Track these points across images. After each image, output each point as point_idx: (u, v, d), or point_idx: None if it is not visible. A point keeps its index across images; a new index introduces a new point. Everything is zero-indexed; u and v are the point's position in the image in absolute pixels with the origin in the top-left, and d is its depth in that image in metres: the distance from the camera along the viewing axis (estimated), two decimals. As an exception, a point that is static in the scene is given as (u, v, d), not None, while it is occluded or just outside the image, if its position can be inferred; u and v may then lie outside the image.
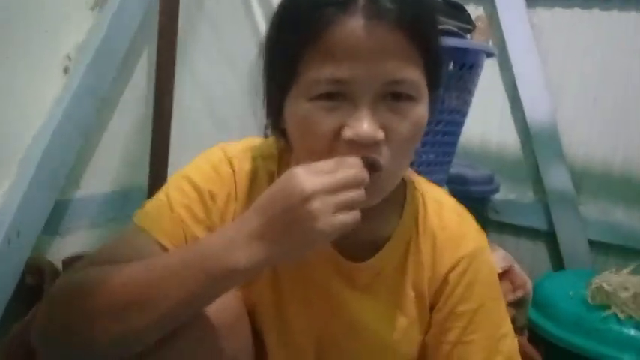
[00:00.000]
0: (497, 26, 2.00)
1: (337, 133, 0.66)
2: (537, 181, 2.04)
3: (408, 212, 0.81)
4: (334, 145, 0.66)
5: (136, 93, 1.53)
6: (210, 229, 0.75)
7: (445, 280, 0.80)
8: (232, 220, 0.76)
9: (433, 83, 0.71)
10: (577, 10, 1.93)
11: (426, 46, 0.67)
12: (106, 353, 0.65)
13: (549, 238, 2.04)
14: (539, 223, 2.05)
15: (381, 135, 0.65)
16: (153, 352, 0.65)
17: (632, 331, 1.40)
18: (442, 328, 0.80)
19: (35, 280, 1.31)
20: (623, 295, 1.40)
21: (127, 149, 1.53)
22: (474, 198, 1.86)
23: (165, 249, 0.72)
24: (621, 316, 1.41)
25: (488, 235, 2.10)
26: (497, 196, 2.07)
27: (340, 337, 0.81)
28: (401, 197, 0.82)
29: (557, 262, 2.03)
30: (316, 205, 0.59)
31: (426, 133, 1.36)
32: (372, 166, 0.65)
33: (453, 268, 0.80)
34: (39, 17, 1.28)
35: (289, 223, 0.60)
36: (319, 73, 0.65)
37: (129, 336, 0.64)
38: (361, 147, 0.64)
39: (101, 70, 1.38)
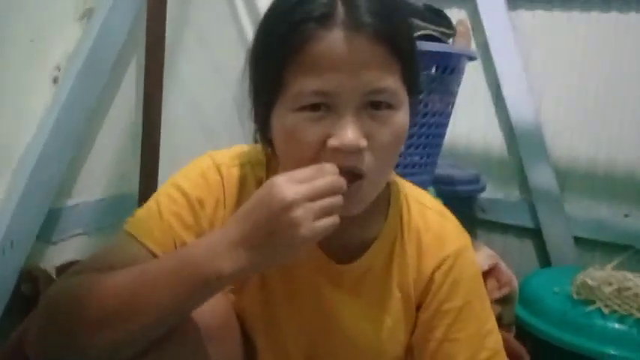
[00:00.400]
0: (480, 29, 2.03)
1: (322, 142, 0.68)
2: (523, 180, 2.08)
3: (392, 215, 0.84)
4: (320, 154, 0.69)
5: (125, 102, 1.55)
6: (199, 235, 0.77)
7: (430, 279, 0.83)
8: (220, 226, 0.79)
9: (412, 89, 0.74)
10: (557, 12, 1.97)
11: (403, 56, 0.69)
12: (98, 359, 0.67)
13: (536, 235, 2.08)
14: (526, 221, 2.08)
15: (364, 143, 0.68)
16: (142, 357, 0.67)
17: (617, 325, 1.43)
18: (429, 326, 0.83)
19: (30, 289, 1.33)
20: (607, 290, 1.44)
21: (117, 158, 1.55)
22: (461, 197, 1.90)
23: (154, 255, 0.74)
24: (605, 310, 1.44)
25: (476, 234, 2.16)
26: (484, 195, 2.10)
27: (328, 338, 0.83)
28: (385, 200, 0.85)
29: (544, 259, 2.06)
30: (297, 212, 0.62)
31: (411, 136, 1.40)
32: (354, 175, 0.68)
33: (437, 268, 0.83)
34: (27, 29, 1.29)
35: (272, 230, 0.63)
36: (303, 85, 0.67)
37: (120, 341, 0.66)
38: (345, 155, 0.67)
39: (90, 80, 1.40)
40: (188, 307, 0.68)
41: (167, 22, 1.54)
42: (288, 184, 0.64)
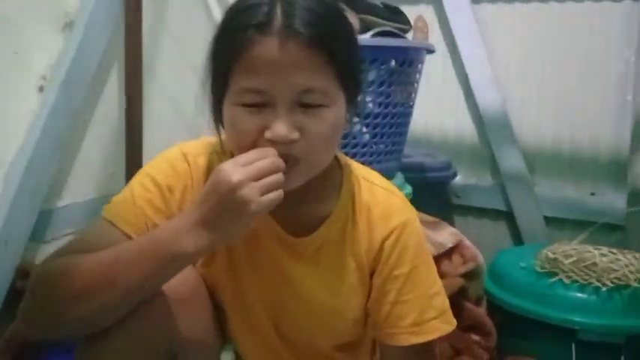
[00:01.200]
0: (446, 23, 2.14)
1: (261, 132, 0.78)
2: (494, 165, 2.18)
3: (344, 193, 0.93)
4: (259, 142, 0.79)
5: (108, 106, 1.64)
6: (169, 218, 0.86)
7: (380, 248, 0.92)
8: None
9: (349, 88, 0.83)
10: (518, 4, 2.07)
11: (336, 60, 0.78)
12: (76, 328, 0.78)
13: (508, 217, 2.18)
14: (498, 204, 2.18)
15: (295, 135, 0.77)
16: (117, 323, 0.78)
17: (577, 294, 1.51)
18: (381, 291, 0.92)
19: (25, 285, 1.41)
20: (567, 261, 1.53)
21: (103, 159, 1.65)
22: (434, 183, 1.99)
23: (129, 237, 0.84)
24: (567, 281, 1.53)
25: (452, 218, 2.25)
26: (459, 181, 2.21)
27: (290, 304, 0.93)
28: (338, 180, 0.94)
29: (517, 239, 2.16)
30: (244, 191, 0.73)
31: (375, 126, 1.50)
32: (287, 160, 0.78)
33: (386, 238, 0.91)
34: (11, 42, 1.39)
35: (225, 210, 0.74)
36: (243, 83, 0.78)
37: (96, 312, 0.77)
38: (279, 145, 0.77)
39: (74, 87, 1.50)
40: (156, 281, 0.79)
41: (145, 28, 1.64)
42: (234, 168, 0.74)
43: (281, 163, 0.76)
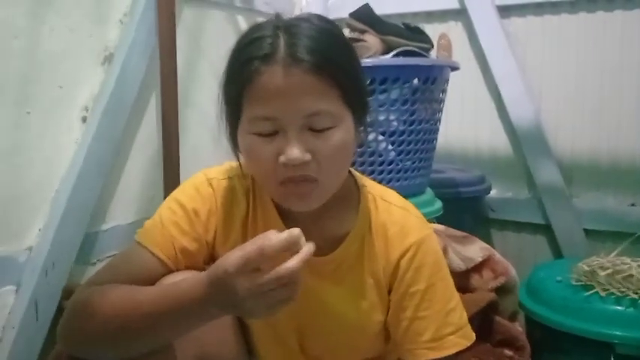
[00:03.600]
0: (475, 39, 2.15)
1: (275, 158, 0.82)
2: (530, 178, 2.16)
3: (362, 212, 0.97)
4: (275, 167, 0.83)
5: (147, 133, 1.72)
6: (195, 239, 0.92)
7: (397, 266, 0.95)
8: (214, 229, 0.94)
9: (356, 108, 0.87)
10: (547, 16, 2.07)
11: (339, 83, 0.82)
12: (107, 356, 0.85)
13: (547, 231, 2.16)
14: (536, 218, 2.16)
15: (307, 157, 0.81)
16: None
17: (613, 307, 1.49)
18: (399, 307, 0.95)
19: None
20: (602, 273, 1.51)
21: (143, 184, 1.72)
22: (467, 198, 1.99)
23: (158, 258, 0.90)
24: (602, 293, 1.51)
25: (489, 233, 2.25)
26: (494, 195, 2.20)
27: (313, 321, 0.97)
28: (355, 200, 0.98)
29: (557, 252, 2.14)
30: (248, 304, 0.73)
31: (401, 143, 1.53)
32: (306, 180, 0.82)
33: (402, 256, 0.94)
34: (56, 77, 1.48)
35: (235, 307, 0.75)
36: (254, 112, 0.82)
37: (122, 347, 0.83)
38: (294, 168, 0.81)
39: (115, 116, 1.58)
40: (181, 335, 0.84)
41: (181, 55, 1.72)
42: (240, 279, 0.72)
43: (288, 275, 0.73)
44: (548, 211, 2.12)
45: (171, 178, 1.65)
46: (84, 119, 1.55)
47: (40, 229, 1.46)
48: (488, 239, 2.21)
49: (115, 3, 1.61)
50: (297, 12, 2.31)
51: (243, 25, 2.04)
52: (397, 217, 0.97)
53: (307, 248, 0.74)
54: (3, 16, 1.35)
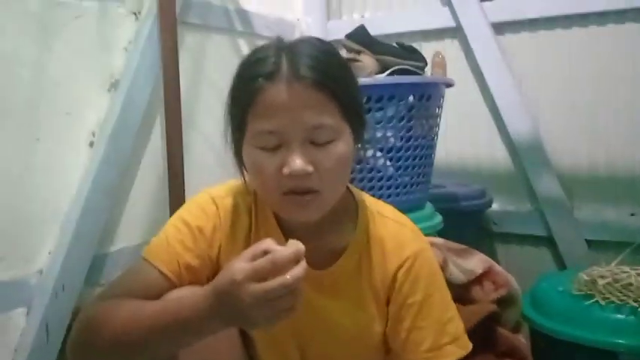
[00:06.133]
0: (472, 55, 2.20)
1: (279, 170, 0.86)
2: (531, 191, 2.19)
3: (359, 227, 1.00)
4: (278, 179, 0.87)
5: (152, 156, 1.77)
6: (199, 256, 0.96)
7: (394, 278, 0.98)
8: (219, 245, 0.97)
9: (354, 122, 0.91)
10: (542, 32, 2.12)
11: (338, 98, 0.87)
12: None
13: (550, 242, 2.18)
14: (539, 230, 2.18)
15: (310, 168, 0.85)
16: None
17: (615, 316, 1.50)
18: (397, 318, 0.98)
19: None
20: (601, 282, 1.53)
21: (149, 206, 1.76)
22: (468, 212, 2.02)
23: (163, 274, 0.93)
24: (602, 302, 1.53)
25: (492, 246, 2.27)
26: (496, 209, 2.23)
27: (314, 333, 0.99)
28: (353, 215, 1.01)
29: (560, 264, 2.15)
30: (254, 313, 0.75)
31: (398, 159, 1.57)
32: (308, 190, 0.86)
33: (399, 268, 0.97)
34: (63, 103, 1.53)
35: (239, 317, 0.78)
36: (258, 127, 0.86)
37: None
38: (297, 179, 0.85)
39: (121, 140, 1.63)
40: (182, 346, 0.87)
41: (184, 80, 1.77)
42: (248, 288, 0.74)
43: (292, 284, 0.75)
44: (550, 223, 2.14)
45: (176, 200, 1.69)
46: (91, 144, 1.60)
47: (50, 252, 1.50)
48: (491, 253, 2.23)
49: (120, 31, 1.67)
50: (297, 35, 2.37)
51: (245, 48, 2.10)
52: (394, 230, 1.01)
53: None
54: (11, 46, 1.41)
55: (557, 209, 2.12)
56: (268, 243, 0.78)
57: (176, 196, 1.70)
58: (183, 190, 1.73)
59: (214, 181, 1.06)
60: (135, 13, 1.70)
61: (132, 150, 1.69)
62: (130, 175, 1.72)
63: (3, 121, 1.40)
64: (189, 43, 1.90)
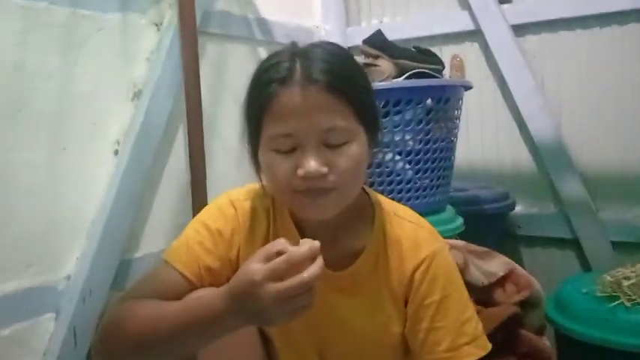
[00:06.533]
0: (492, 58, 2.19)
1: (294, 172, 0.88)
2: (555, 193, 2.17)
3: (376, 228, 1.01)
4: (293, 180, 0.88)
5: (175, 163, 1.80)
6: (219, 258, 0.98)
7: (412, 278, 0.98)
8: (238, 247, 1.00)
9: (368, 124, 0.92)
10: (562, 33, 2.10)
11: (352, 100, 0.88)
12: None
13: (575, 245, 2.15)
14: (563, 232, 2.16)
15: (324, 169, 0.87)
16: None
17: (638, 316, 1.49)
18: (415, 318, 0.98)
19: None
20: (626, 284, 1.51)
21: (173, 212, 1.80)
22: (491, 215, 2.01)
23: (183, 275, 0.95)
24: (627, 304, 1.51)
25: (517, 249, 2.25)
26: (520, 212, 2.22)
27: (333, 334, 1.00)
28: (370, 216, 1.02)
29: (586, 266, 2.12)
30: (273, 312, 0.78)
31: (418, 162, 1.57)
32: (321, 191, 0.88)
33: (416, 268, 0.98)
34: (89, 114, 1.58)
35: (257, 315, 0.80)
36: (273, 130, 0.88)
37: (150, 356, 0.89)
38: (312, 180, 0.87)
39: (144, 149, 1.66)
40: (202, 345, 0.89)
41: (205, 88, 1.80)
42: (266, 287, 0.77)
43: (309, 283, 0.78)
44: (574, 226, 2.12)
45: (199, 205, 1.72)
46: (116, 152, 1.64)
47: (77, 258, 1.54)
48: (515, 256, 2.21)
49: (142, 42, 1.71)
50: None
51: (264, 56, 2.12)
52: (410, 231, 1.01)
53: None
54: (38, 59, 1.45)
55: (581, 211, 2.10)
56: (282, 243, 0.80)
57: (199, 202, 1.73)
58: (206, 196, 1.76)
59: (234, 185, 1.08)
60: (156, 24, 1.74)
61: (155, 158, 1.72)
62: (154, 182, 1.75)
63: (32, 133, 1.44)
64: (209, 51, 1.94)
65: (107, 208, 1.58)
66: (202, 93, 1.79)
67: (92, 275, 1.53)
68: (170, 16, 1.74)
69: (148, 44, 1.73)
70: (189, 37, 1.72)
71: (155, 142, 1.71)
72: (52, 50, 1.49)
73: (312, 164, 0.86)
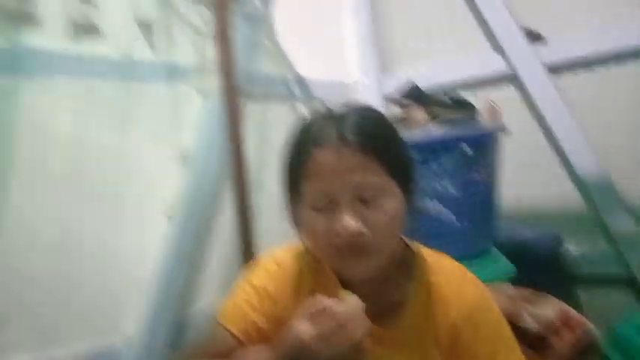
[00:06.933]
0: (529, 98, 2.21)
1: (332, 229, 0.92)
2: (605, 231, 2.13)
3: (418, 279, 1.02)
4: (331, 237, 0.92)
5: (225, 221, 1.87)
6: (265, 315, 1.02)
7: (456, 328, 0.98)
8: (284, 305, 1.03)
9: (402, 180, 0.96)
10: (596, 68, 2.11)
11: (384, 158, 0.93)
12: None
13: (631, 282, 2.09)
14: (617, 270, 2.11)
15: (363, 228, 0.91)
16: None
17: (703, 356, 1.44)
18: None
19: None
20: (687, 323, 1.47)
21: (224, 269, 1.86)
22: (542, 256, 1.98)
23: (233, 335, 1.00)
24: (690, 344, 1.46)
25: (572, 290, 2.20)
26: (572, 252, 2.17)
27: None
28: (410, 266, 1.04)
29: (644, 304, 2.06)
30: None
31: (458, 207, 1.58)
32: (360, 247, 0.91)
33: (460, 318, 0.98)
34: (143, 179, 1.67)
35: None
36: (309, 189, 0.94)
37: None
38: (349, 237, 0.91)
39: (195, 210, 1.75)
40: None
41: (250, 147, 1.88)
42: (314, 347, 0.82)
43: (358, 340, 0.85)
44: (629, 262, 2.06)
45: (248, 261, 1.77)
46: (168, 216, 1.72)
47: (134, 318, 1.61)
48: (569, 296, 2.15)
49: (188, 110, 1.81)
50: (353, 96, 2.47)
51: (304, 112, 2.21)
52: (452, 280, 1.02)
53: None
54: (96, 132, 1.56)
55: (634, 247, 2.05)
56: (325, 302, 0.83)
57: (248, 259, 1.78)
58: (255, 253, 1.82)
59: (282, 240, 1.13)
60: (201, 91, 1.84)
61: (205, 218, 1.79)
62: (205, 241, 1.83)
63: (91, 203, 1.54)
64: (252, 112, 2.03)
65: (163, 270, 1.66)
66: (248, 152, 1.87)
67: (151, 335, 1.61)
68: (213, 82, 1.85)
69: (194, 110, 1.83)
70: (232, 101, 1.81)
71: (205, 205, 1.80)
72: (108, 124, 1.59)
73: (348, 221, 0.90)
